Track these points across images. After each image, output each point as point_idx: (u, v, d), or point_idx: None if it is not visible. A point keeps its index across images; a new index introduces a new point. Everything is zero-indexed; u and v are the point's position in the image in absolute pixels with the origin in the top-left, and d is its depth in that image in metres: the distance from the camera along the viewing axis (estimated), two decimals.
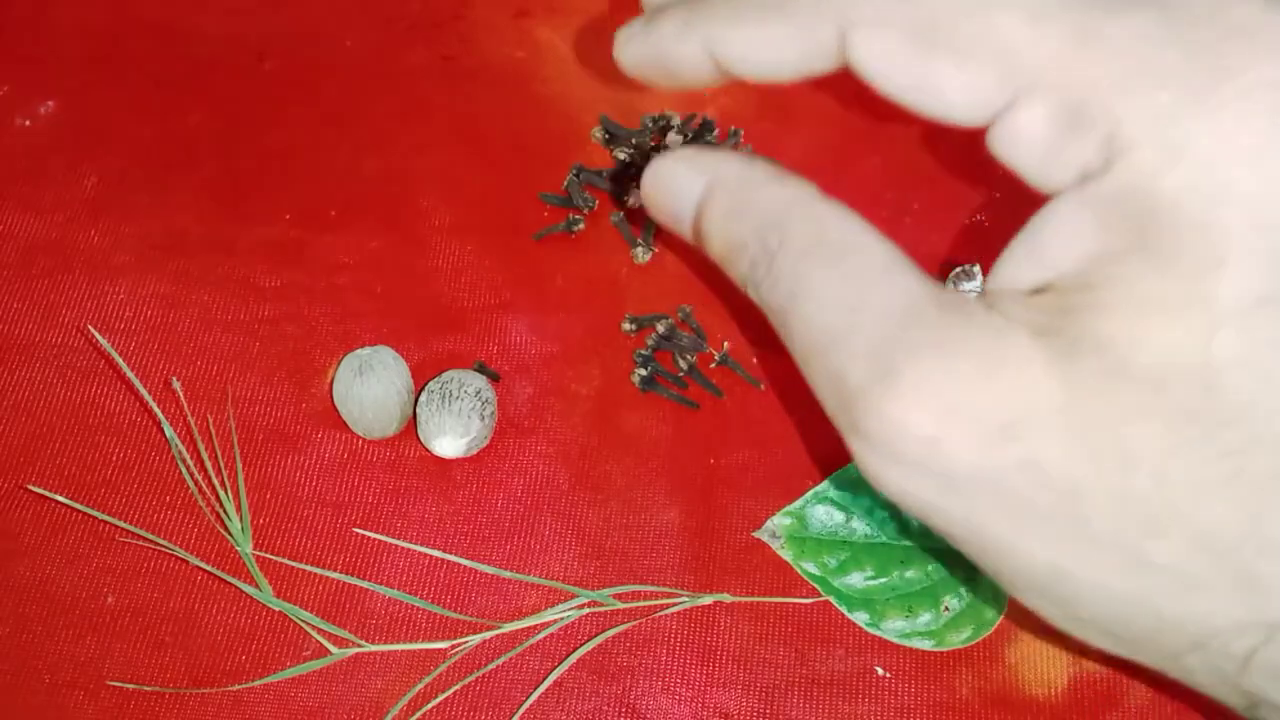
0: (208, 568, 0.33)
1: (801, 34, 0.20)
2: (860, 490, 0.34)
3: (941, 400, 0.19)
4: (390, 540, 0.34)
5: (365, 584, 0.33)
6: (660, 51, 0.23)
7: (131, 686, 0.32)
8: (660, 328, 0.36)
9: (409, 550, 0.34)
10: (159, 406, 0.35)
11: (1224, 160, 0.17)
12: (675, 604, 0.33)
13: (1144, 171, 0.17)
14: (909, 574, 0.33)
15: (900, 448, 0.19)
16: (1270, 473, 0.17)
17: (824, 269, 0.20)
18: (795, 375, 0.37)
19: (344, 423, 0.35)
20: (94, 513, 0.34)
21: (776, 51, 0.21)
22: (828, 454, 0.35)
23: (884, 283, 0.20)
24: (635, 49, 0.23)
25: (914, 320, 0.19)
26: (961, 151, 0.39)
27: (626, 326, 0.37)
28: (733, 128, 0.40)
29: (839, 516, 0.34)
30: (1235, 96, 0.17)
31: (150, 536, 0.34)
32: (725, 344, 0.36)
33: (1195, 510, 0.18)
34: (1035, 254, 0.19)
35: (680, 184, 0.23)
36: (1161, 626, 0.19)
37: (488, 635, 0.33)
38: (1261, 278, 0.17)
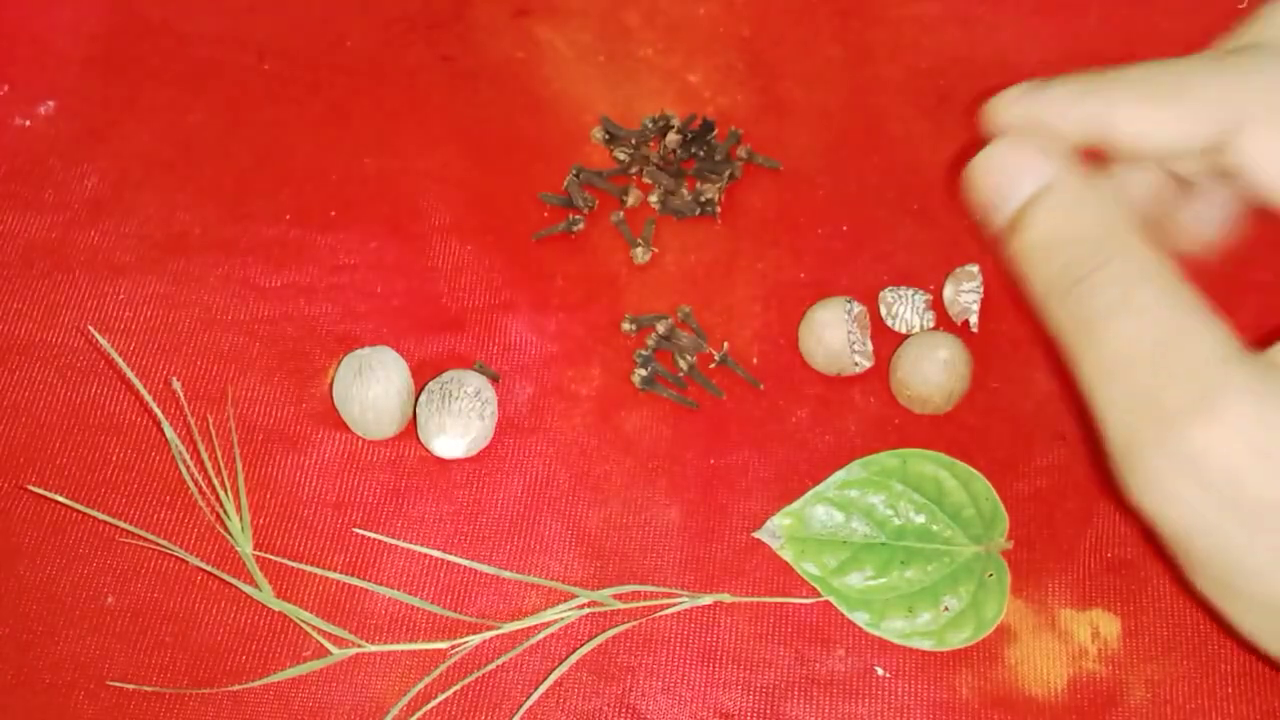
0: (208, 568, 0.33)
1: (1194, 120, 0.23)
2: (860, 490, 0.34)
3: (1253, 438, 0.21)
4: (390, 540, 0.34)
5: (365, 584, 0.33)
6: (1043, 112, 0.25)
7: (131, 686, 0.32)
8: (660, 328, 0.36)
9: (409, 550, 0.34)
10: (159, 406, 0.35)
11: None
12: (675, 604, 0.33)
13: None
14: (909, 574, 0.33)
15: (1207, 470, 0.22)
16: None
17: (1156, 290, 0.23)
18: (796, 375, 0.37)
19: (344, 423, 0.35)
20: (94, 513, 0.34)
21: (1164, 132, 0.24)
22: (828, 454, 0.35)
23: (1206, 324, 0.22)
24: (1022, 106, 0.25)
25: (1234, 365, 0.22)
26: (960, 153, 0.39)
27: (626, 326, 0.37)
28: (733, 128, 0.40)
29: (839, 516, 0.34)
30: None
31: (150, 536, 0.34)
32: (725, 344, 0.36)
33: None
34: None
35: (1025, 169, 0.24)
36: None
37: (488, 635, 0.33)
38: None
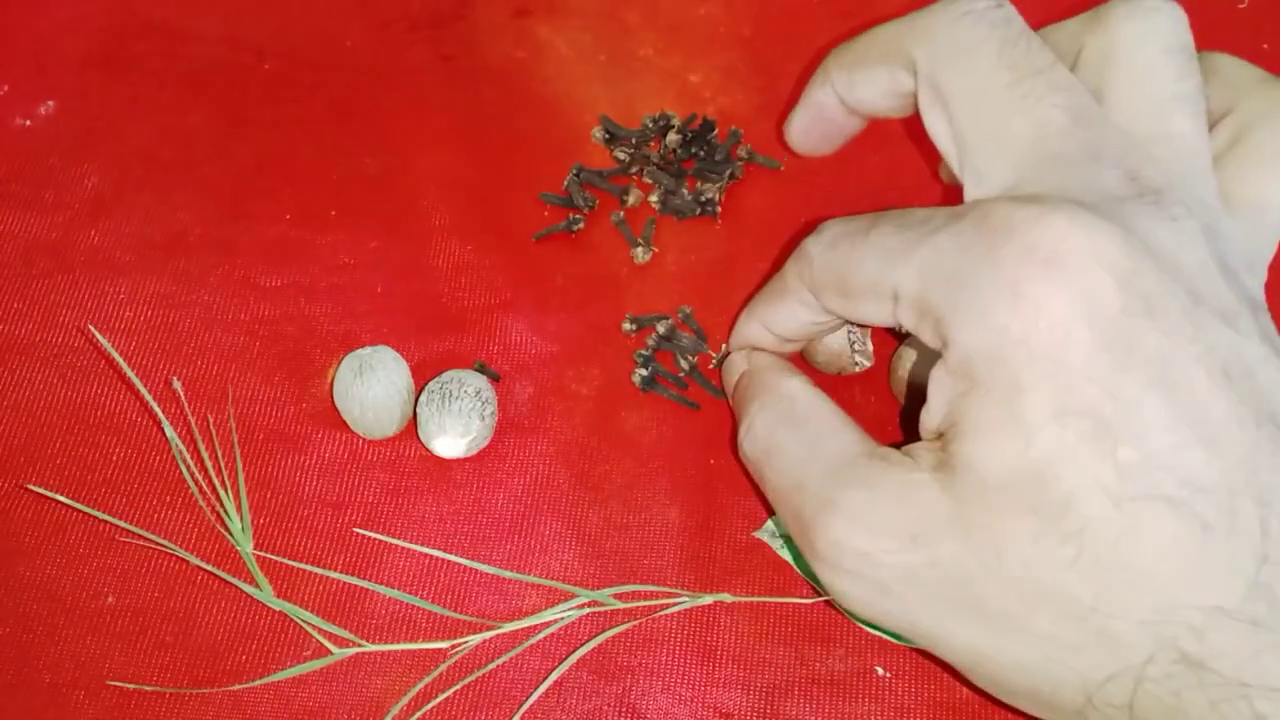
0: (208, 567, 0.33)
1: (802, 309, 0.30)
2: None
3: (868, 522, 0.25)
4: (390, 540, 0.34)
5: (365, 584, 0.33)
6: (743, 335, 0.33)
7: (132, 686, 0.32)
8: (660, 328, 0.36)
9: (409, 550, 0.34)
10: (159, 406, 0.35)
11: (997, 315, 0.22)
12: (675, 604, 0.33)
13: (958, 337, 0.23)
14: None
15: (843, 561, 0.25)
16: (1105, 547, 0.22)
17: (788, 431, 0.29)
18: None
19: (344, 423, 0.35)
20: (94, 512, 0.34)
21: (794, 322, 0.31)
22: None
23: (831, 440, 0.27)
24: (735, 337, 0.33)
25: (850, 466, 0.26)
26: None
27: (626, 326, 0.37)
28: (733, 128, 0.40)
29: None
30: (992, 271, 0.23)
31: (151, 536, 0.34)
32: (724, 345, 0.36)
33: (1054, 585, 0.22)
34: (928, 412, 0.25)
35: (734, 366, 0.33)
36: (1060, 687, 0.23)
37: (488, 635, 0.33)
38: (1050, 396, 0.22)
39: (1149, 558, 0.21)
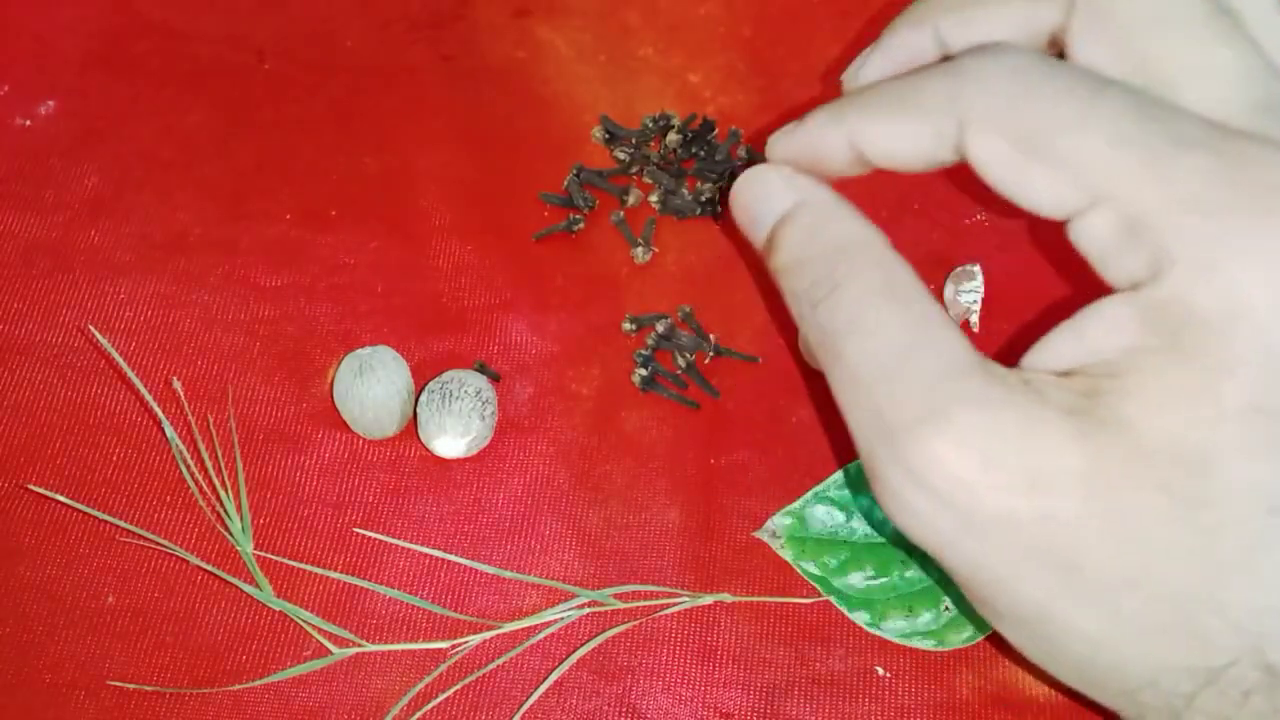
0: (208, 567, 0.33)
1: (932, 130, 0.23)
2: (860, 490, 0.34)
3: (983, 449, 0.21)
4: (391, 540, 0.34)
5: (366, 584, 0.33)
6: (809, 143, 0.26)
7: (132, 686, 0.32)
8: (660, 328, 0.36)
9: (409, 550, 0.34)
10: (159, 406, 0.35)
11: (1247, 285, 0.20)
12: (675, 604, 0.33)
13: (1181, 284, 0.20)
14: (909, 574, 0.33)
15: (936, 483, 0.22)
16: (1235, 548, 0.21)
17: (889, 307, 0.23)
18: (796, 375, 0.37)
19: (344, 423, 0.35)
20: (94, 512, 0.34)
21: (909, 143, 0.24)
22: (828, 454, 0.35)
23: (940, 336, 0.23)
24: (786, 143, 0.26)
25: (965, 376, 0.22)
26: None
27: (626, 326, 0.37)
28: (732, 128, 0.40)
29: (839, 516, 0.34)
30: (1264, 234, 0.20)
31: (151, 536, 0.34)
32: (713, 337, 0.36)
33: (1167, 571, 0.21)
34: (1078, 340, 0.22)
35: (773, 192, 0.26)
36: (1122, 666, 0.22)
37: (488, 635, 0.33)
38: (1259, 389, 0.20)
39: (1274, 567, 0.21)
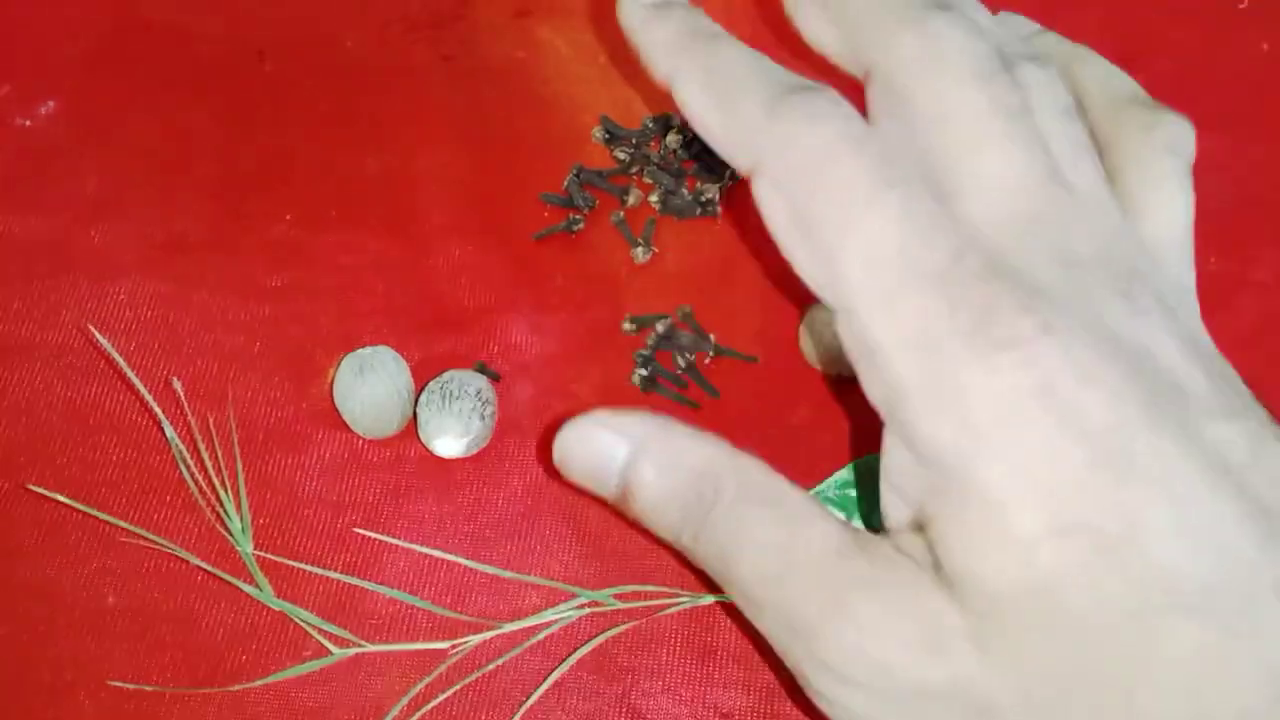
0: (208, 567, 0.33)
1: (730, 142, 0.23)
2: (859, 490, 0.34)
3: (884, 631, 0.22)
4: (390, 540, 0.34)
5: (365, 584, 0.33)
6: (642, 46, 0.25)
7: (132, 686, 0.32)
8: (660, 328, 0.36)
9: (409, 550, 0.34)
10: (159, 406, 0.35)
11: (979, 421, 0.20)
12: (675, 604, 0.33)
13: (921, 417, 0.21)
14: None
15: (855, 672, 0.22)
16: (1124, 662, 0.20)
17: (759, 513, 0.24)
18: (796, 375, 0.37)
19: (344, 423, 0.35)
20: (94, 512, 0.34)
21: (711, 137, 0.24)
22: (828, 454, 0.35)
23: (813, 524, 0.23)
24: (629, 21, 0.25)
25: (846, 560, 0.23)
26: None
27: (626, 326, 0.37)
28: None
29: (839, 516, 0.34)
30: (984, 372, 0.20)
31: (150, 536, 0.34)
32: (713, 337, 0.36)
33: (1081, 698, 0.21)
34: (897, 494, 0.23)
35: (603, 448, 0.25)
36: None
37: (488, 635, 0.33)
38: (1044, 515, 0.20)
39: (1176, 668, 0.20)
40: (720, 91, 0.23)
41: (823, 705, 0.24)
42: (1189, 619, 0.20)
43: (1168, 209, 0.25)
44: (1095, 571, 0.20)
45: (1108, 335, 0.21)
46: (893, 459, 0.22)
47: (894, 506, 0.23)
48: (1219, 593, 0.20)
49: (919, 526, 0.22)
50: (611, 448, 0.25)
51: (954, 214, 0.22)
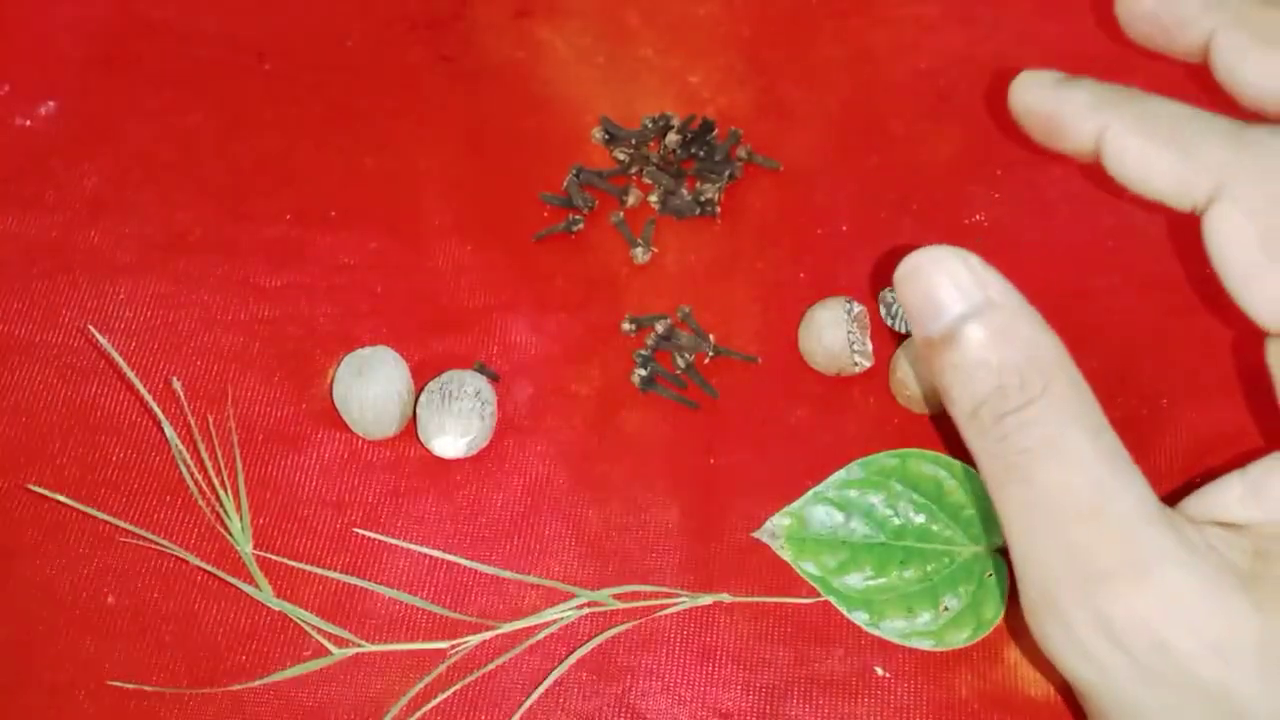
0: (208, 567, 0.33)
1: (1183, 178, 0.23)
2: (860, 490, 0.34)
3: (1180, 612, 0.21)
4: (390, 540, 0.34)
5: (365, 584, 0.33)
6: (1060, 113, 0.25)
7: (132, 686, 0.32)
8: (660, 328, 0.36)
9: (409, 550, 0.34)
10: (159, 406, 0.35)
11: None
12: (675, 604, 0.33)
13: None
14: (908, 574, 0.33)
15: (1129, 637, 0.22)
16: None
17: (1086, 436, 0.22)
18: (796, 375, 0.37)
19: (344, 423, 0.35)
20: (94, 512, 0.34)
21: (1155, 177, 0.23)
22: (828, 454, 0.35)
23: (1130, 475, 0.22)
24: (1035, 97, 0.25)
25: (1159, 528, 0.21)
26: (960, 152, 0.39)
27: (626, 326, 0.37)
28: (732, 128, 0.40)
29: (838, 516, 0.34)
30: None
31: (150, 536, 0.34)
32: (713, 337, 0.36)
33: None
34: (1253, 496, 0.22)
35: (960, 282, 0.24)
36: None
37: (488, 635, 0.33)
38: None
39: None
40: (1168, 133, 0.23)
41: (1057, 641, 0.23)
42: None
43: None
44: None
45: None
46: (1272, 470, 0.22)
47: (1233, 503, 0.22)
48: None
49: (1239, 528, 0.22)
50: (963, 287, 0.24)
51: None
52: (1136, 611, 0.21)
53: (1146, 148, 0.23)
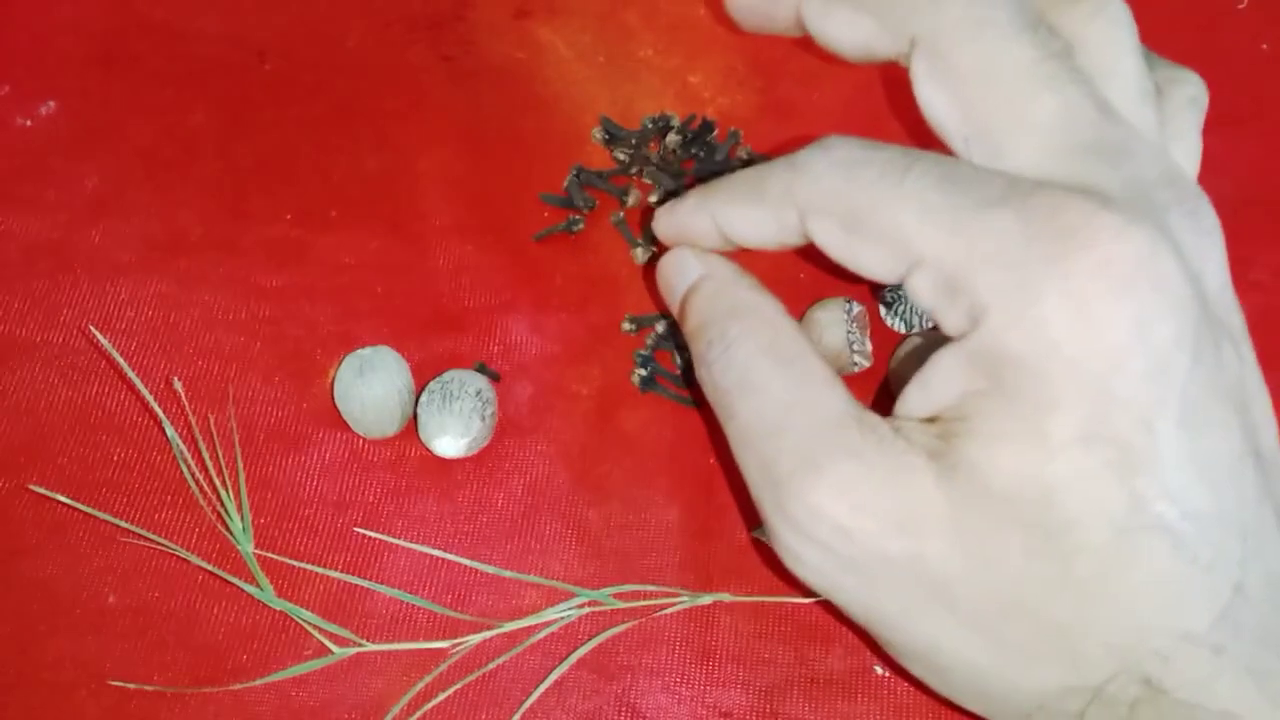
0: (209, 567, 0.33)
1: (775, 216, 0.26)
2: None
3: (855, 497, 0.23)
4: (391, 540, 0.34)
5: (366, 583, 0.33)
6: (683, 223, 0.29)
7: (133, 686, 0.32)
8: (660, 328, 0.36)
9: (410, 550, 0.34)
10: (160, 406, 0.35)
11: (1053, 325, 0.21)
12: (675, 604, 0.33)
13: (995, 331, 0.22)
14: None
15: (815, 531, 0.24)
16: (1091, 572, 0.22)
17: (773, 367, 0.26)
18: None
19: (345, 422, 0.35)
20: (95, 512, 0.34)
21: (760, 228, 0.27)
22: None
23: (820, 391, 0.25)
24: (667, 222, 0.30)
25: (839, 429, 0.24)
26: None
27: (626, 326, 0.37)
28: (732, 128, 0.40)
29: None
30: (1060, 275, 0.21)
31: (151, 536, 0.34)
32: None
33: (1035, 599, 0.22)
34: (925, 391, 0.24)
35: (686, 265, 0.29)
36: (1013, 692, 0.24)
37: (488, 635, 0.33)
38: (1083, 420, 0.21)
39: (1135, 586, 0.22)
40: (744, 190, 0.27)
41: (784, 559, 0.25)
42: (1167, 543, 0.21)
43: (1189, 159, 0.26)
44: (1102, 484, 0.21)
45: (1175, 247, 0.22)
46: (939, 366, 0.23)
47: (915, 401, 0.24)
48: (1201, 524, 0.21)
49: (934, 420, 0.24)
50: (689, 268, 0.29)
51: (1007, 151, 0.24)
52: (812, 504, 0.23)
53: (742, 208, 0.27)
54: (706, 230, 0.28)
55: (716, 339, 0.27)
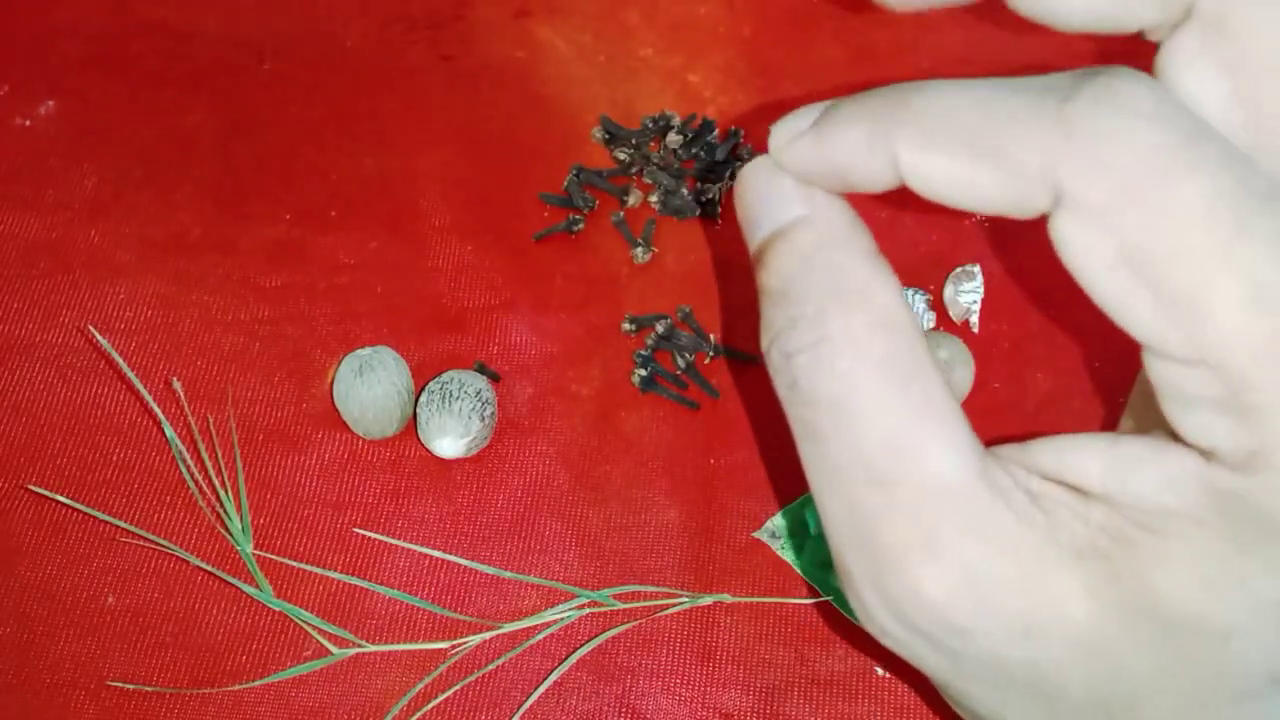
0: (208, 568, 0.33)
1: (1010, 185, 0.18)
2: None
3: (977, 593, 0.18)
4: (390, 540, 0.34)
5: (365, 584, 0.33)
6: (837, 160, 0.20)
7: (132, 686, 0.32)
8: (660, 328, 0.36)
9: (409, 550, 0.34)
10: (159, 407, 0.35)
11: None
12: (675, 604, 0.33)
13: (1273, 489, 0.17)
14: None
15: (920, 620, 0.19)
16: (1221, 715, 0.18)
17: (885, 388, 0.19)
18: None
19: (344, 423, 0.35)
20: (94, 513, 0.34)
21: (974, 193, 0.19)
22: None
23: (941, 431, 0.19)
24: (805, 154, 0.21)
25: (964, 494, 0.19)
26: None
27: (626, 326, 0.37)
28: (733, 128, 0.40)
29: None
30: None
31: (151, 536, 0.34)
32: (713, 337, 0.36)
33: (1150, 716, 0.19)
34: (1117, 470, 0.18)
35: (783, 194, 0.21)
36: None
37: (488, 635, 0.33)
38: None
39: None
40: (970, 139, 0.18)
41: (869, 627, 0.21)
42: None
43: None
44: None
45: None
46: (1163, 464, 0.18)
47: (1072, 462, 0.19)
48: None
49: (1080, 491, 0.19)
50: (785, 200, 0.21)
51: None
52: (925, 596, 0.19)
53: (952, 167, 0.19)
54: (878, 173, 0.20)
55: (806, 324, 0.20)
